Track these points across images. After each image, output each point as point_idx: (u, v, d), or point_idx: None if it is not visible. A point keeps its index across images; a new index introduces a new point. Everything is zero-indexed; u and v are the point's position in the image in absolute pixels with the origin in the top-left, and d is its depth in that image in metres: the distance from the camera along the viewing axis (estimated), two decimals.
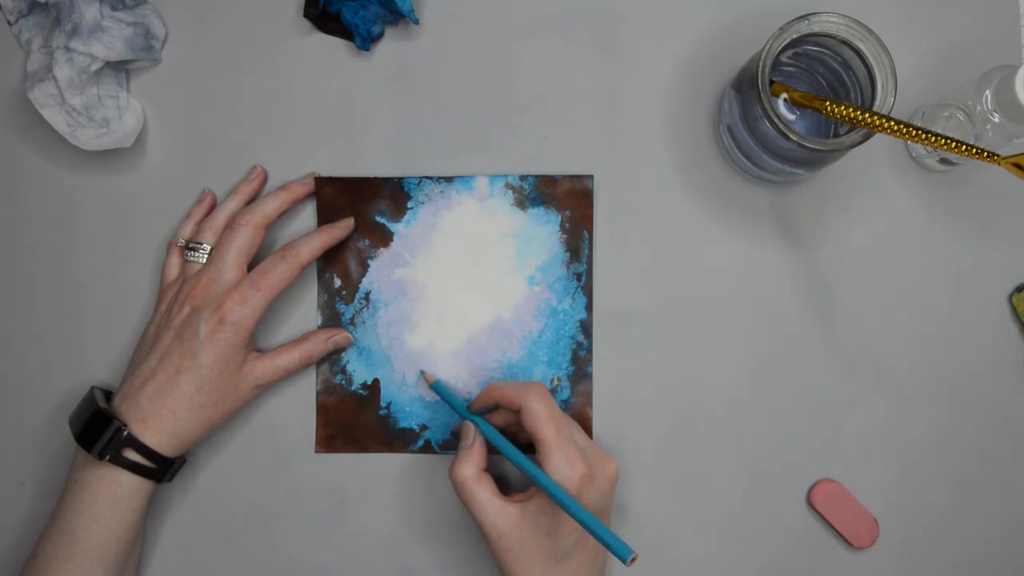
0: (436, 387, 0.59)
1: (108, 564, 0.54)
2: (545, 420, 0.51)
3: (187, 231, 0.60)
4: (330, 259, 0.61)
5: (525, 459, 0.51)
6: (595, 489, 0.51)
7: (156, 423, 0.54)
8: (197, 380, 0.54)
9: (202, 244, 0.58)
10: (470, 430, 0.54)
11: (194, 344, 0.54)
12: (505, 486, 0.57)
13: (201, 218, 0.60)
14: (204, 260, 0.58)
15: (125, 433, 0.53)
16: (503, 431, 0.55)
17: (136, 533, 0.55)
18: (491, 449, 0.54)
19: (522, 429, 0.53)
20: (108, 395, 0.58)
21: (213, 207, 0.61)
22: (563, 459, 0.50)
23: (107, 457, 0.53)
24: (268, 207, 0.58)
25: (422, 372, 0.60)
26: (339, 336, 0.59)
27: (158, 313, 0.58)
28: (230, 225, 0.57)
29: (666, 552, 0.59)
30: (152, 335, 0.57)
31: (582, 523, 0.48)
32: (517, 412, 0.52)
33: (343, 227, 0.59)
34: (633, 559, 0.45)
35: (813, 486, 0.59)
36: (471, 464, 0.53)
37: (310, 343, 0.59)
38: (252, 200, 0.60)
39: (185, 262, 0.59)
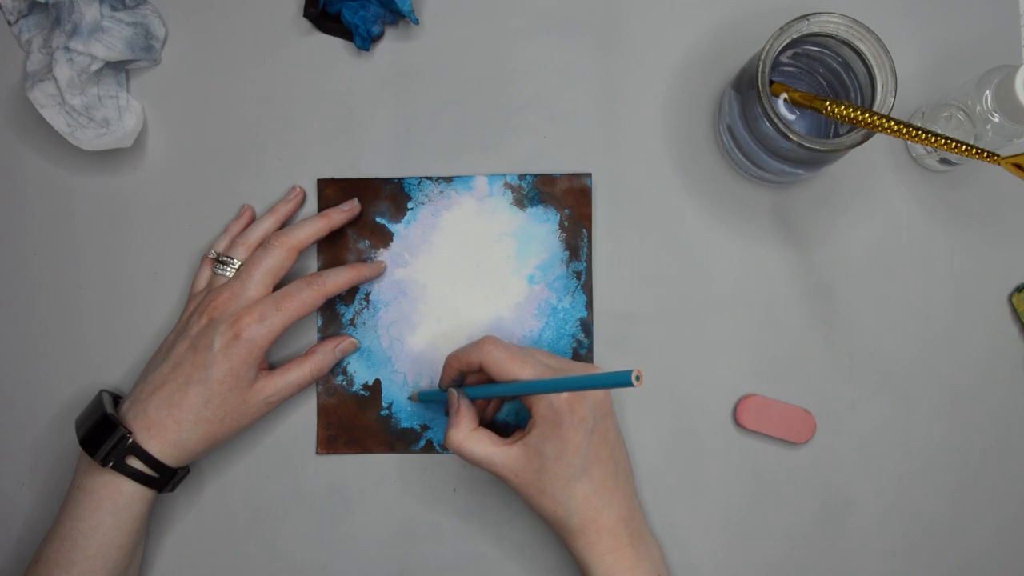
0: (422, 397, 0.59)
1: (109, 571, 0.54)
2: (507, 362, 0.52)
3: (222, 245, 0.59)
4: (330, 260, 0.61)
5: (509, 384, 0.52)
6: (588, 400, 0.52)
7: (160, 432, 0.54)
8: (206, 393, 0.54)
9: (232, 259, 0.57)
10: (452, 396, 0.55)
11: (207, 356, 0.54)
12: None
13: (238, 233, 0.60)
14: (231, 274, 0.57)
15: (130, 441, 0.53)
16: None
17: (137, 540, 0.55)
18: (486, 404, 0.58)
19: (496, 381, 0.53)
20: (116, 399, 0.58)
21: (251, 223, 0.60)
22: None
23: (110, 464, 0.53)
24: (304, 232, 0.57)
25: (409, 398, 0.60)
26: (345, 343, 0.59)
27: (179, 322, 0.58)
28: (263, 244, 0.57)
29: (666, 554, 0.59)
30: (170, 343, 0.57)
31: (573, 387, 0.48)
32: (481, 371, 0.53)
33: (373, 268, 0.60)
34: (637, 376, 0.41)
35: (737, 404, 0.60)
36: (461, 428, 0.54)
37: (319, 354, 0.58)
38: (288, 221, 0.60)
39: (213, 275, 0.58)
